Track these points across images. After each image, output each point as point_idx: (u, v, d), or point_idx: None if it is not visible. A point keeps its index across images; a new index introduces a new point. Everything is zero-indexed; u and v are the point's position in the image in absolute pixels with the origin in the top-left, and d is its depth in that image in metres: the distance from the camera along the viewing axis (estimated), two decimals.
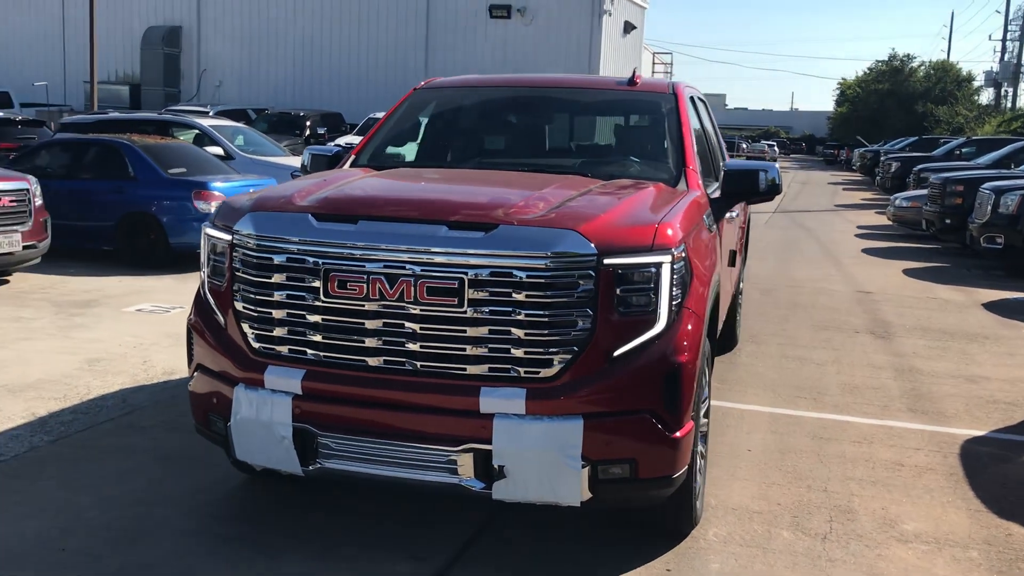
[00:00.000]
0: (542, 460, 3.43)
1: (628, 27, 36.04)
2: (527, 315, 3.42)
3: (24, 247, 9.39)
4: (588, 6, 32.35)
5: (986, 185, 13.63)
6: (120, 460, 4.92)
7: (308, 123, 24.02)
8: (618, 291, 3.48)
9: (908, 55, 65.73)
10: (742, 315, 8.51)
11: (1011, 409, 6.41)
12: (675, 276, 3.61)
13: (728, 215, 5.56)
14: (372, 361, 3.58)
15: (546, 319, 3.43)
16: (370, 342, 3.57)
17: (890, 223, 18.81)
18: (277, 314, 3.69)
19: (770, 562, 3.98)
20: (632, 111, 5.74)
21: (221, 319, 3.90)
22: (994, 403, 6.55)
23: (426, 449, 3.52)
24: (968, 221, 13.92)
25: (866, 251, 15.42)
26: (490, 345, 3.45)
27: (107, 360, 6.85)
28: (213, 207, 9.29)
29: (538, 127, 5.54)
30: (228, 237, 3.85)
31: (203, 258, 4.06)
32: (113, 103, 33.49)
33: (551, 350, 3.45)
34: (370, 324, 3.55)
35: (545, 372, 3.46)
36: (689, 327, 3.67)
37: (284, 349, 3.71)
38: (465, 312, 3.44)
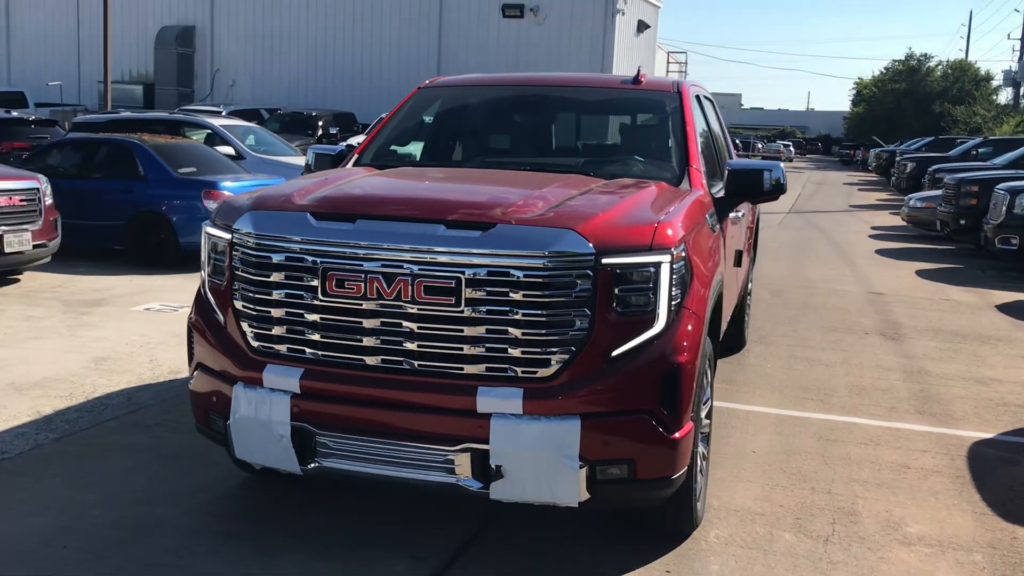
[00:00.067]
0: (539, 460, 3.42)
1: (642, 26, 35.95)
2: (524, 315, 3.40)
3: (34, 246, 9.44)
4: (601, 5, 32.29)
5: (1001, 186, 13.50)
6: (123, 458, 4.94)
7: (320, 123, 24.07)
8: (616, 291, 3.46)
9: (925, 54, 65.41)
10: (751, 316, 8.47)
11: (1021, 411, 6.35)
12: (675, 276, 3.58)
13: (734, 215, 5.53)
14: (370, 360, 3.58)
15: (544, 319, 3.41)
16: (368, 341, 3.56)
17: (904, 224, 18.69)
18: (276, 313, 3.69)
19: (771, 564, 3.95)
20: (636, 110, 5.71)
21: (221, 318, 3.91)
22: (1004, 405, 6.49)
23: (424, 449, 3.51)
24: (983, 222, 13.81)
25: (879, 252, 15.33)
26: (487, 345, 3.44)
27: (114, 359, 6.88)
28: None
29: (541, 126, 5.52)
30: (228, 236, 3.85)
31: (203, 257, 4.07)
32: (127, 103, 33.66)
33: (549, 350, 3.43)
34: (368, 323, 3.54)
35: (543, 372, 3.44)
36: (689, 327, 3.64)
37: (283, 348, 3.70)
38: (462, 311, 3.43)
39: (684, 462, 3.65)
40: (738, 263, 5.90)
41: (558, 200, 3.79)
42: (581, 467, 3.43)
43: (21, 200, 9.34)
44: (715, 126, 6.17)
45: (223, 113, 23.06)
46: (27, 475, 4.69)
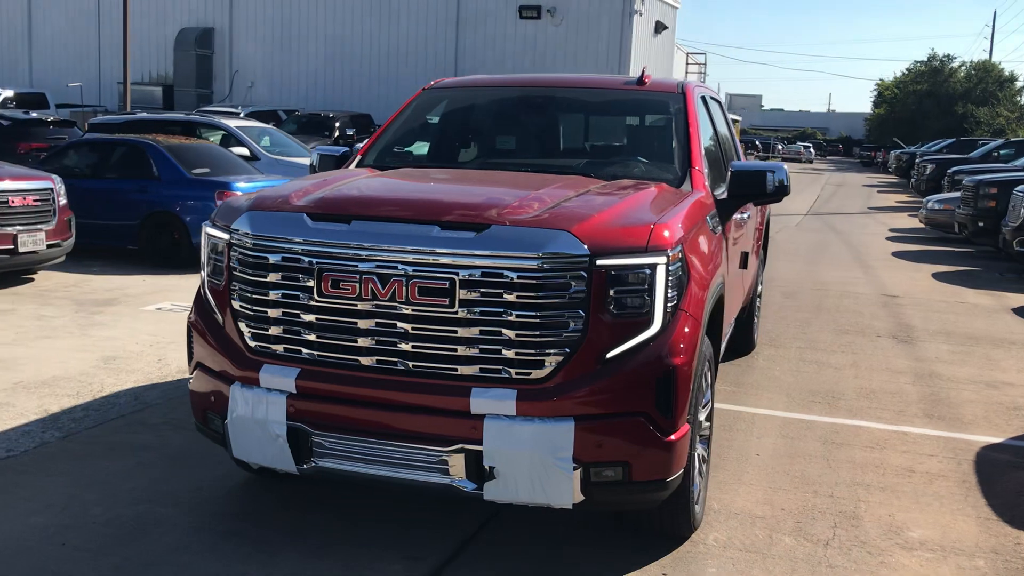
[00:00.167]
0: (532, 462, 3.41)
1: (659, 27, 35.80)
2: (519, 316, 3.39)
3: (48, 246, 9.53)
4: (619, 6, 32.18)
5: (1021, 187, 13.35)
6: (127, 457, 4.97)
7: (337, 124, 24.14)
8: (611, 292, 3.45)
9: (948, 55, 64.91)
10: (762, 318, 8.43)
11: None
12: (671, 278, 3.57)
13: (739, 216, 5.50)
14: (365, 361, 3.58)
15: (538, 320, 3.40)
16: (363, 342, 3.57)
17: (922, 226, 18.54)
18: (272, 313, 3.70)
19: (768, 568, 3.93)
20: (640, 111, 5.68)
21: (219, 318, 3.93)
22: (1016, 410, 6.42)
23: (418, 449, 3.51)
24: (1001, 224, 13.66)
25: (896, 254, 15.21)
26: (481, 346, 3.44)
27: (123, 358, 6.93)
28: None
29: (544, 127, 5.51)
30: (226, 236, 3.87)
31: (203, 257, 4.09)
32: (147, 104, 33.88)
33: (543, 351, 3.42)
34: (363, 324, 3.55)
35: (536, 373, 3.43)
36: (685, 329, 3.62)
37: (279, 348, 3.72)
38: (456, 313, 3.43)
39: (680, 465, 3.63)
40: (744, 265, 5.87)
41: (554, 201, 3.78)
42: (575, 469, 3.42)
43: (35, 200, 9.43)
44: (722, 128, 6.14)
45: (241, 114, 23.16)
46: (31, 473, 4.73)
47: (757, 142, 59.17)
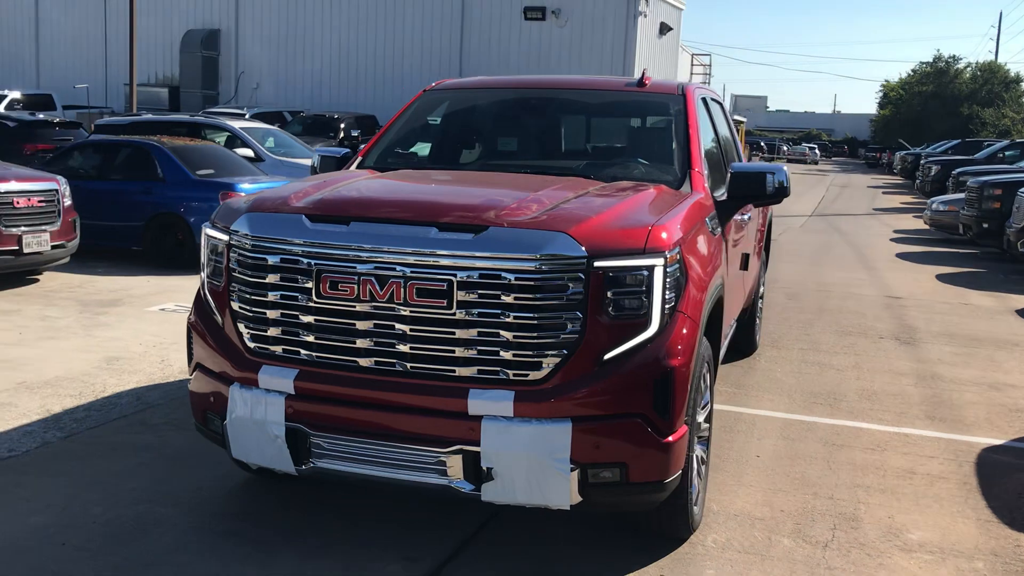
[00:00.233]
0: (530, 463, 3.42)
1: (664, 28, 35.78)
2: (516, 317, 3.40)
3: (53, 247, 9.55)
4: (623, 7, 32.17)
5: None
6: (128, 457, 4.99)
7: (342, 125, 24.17)
8: (609, 294, 3.45)
9: (954, 56, 64.88)
10: (764, 319, 8.42)
11: None
12: (668, 279, 3.57)
13: (740, 217, 5.50)
14: (363, 362, 3.59)
15: (535, 321, 3.41)
16: (361, 343, 3.57)
17: (927, 227, 18.51)
18: (271, 314, 3.71)
19: (767, 569, 3.93)
20: (640, 112, 5.68)
21: (219, 319, 3.94)
22: (1018, 411, 6.41)
23: (416, 450, 3.52)
24: (1006, 225, 13.64)
25: (900, 255, 15.19)
26: (479, 347, 3.44)
27: (126, 358, 6.95)
28: None
29: (544, 128, 5.51)
30: (226, 237, 3.88)
31: (203, 258, 4.10)
32: (153, 105, 33.98)
33: (540, 352, 3.43)
34: (361, 325, 3.56)
35: (534, 375, 3.44)
36: (683, 331, 3.62)
37: (278, 349, 3.73)
38: (454, 314, 3.44)
39: (678, 466, 3.64)
40: (745, 266, 5.86)
41: (552, 203, 3.78)
42: (572, 470, 3.43)
43: (40, 201, 9.46)
44: (723, 129, 6.14)
45: (246, 116, 23.21)
46: (32, 473, 4.74)
47: (762, 143, 59.12)
